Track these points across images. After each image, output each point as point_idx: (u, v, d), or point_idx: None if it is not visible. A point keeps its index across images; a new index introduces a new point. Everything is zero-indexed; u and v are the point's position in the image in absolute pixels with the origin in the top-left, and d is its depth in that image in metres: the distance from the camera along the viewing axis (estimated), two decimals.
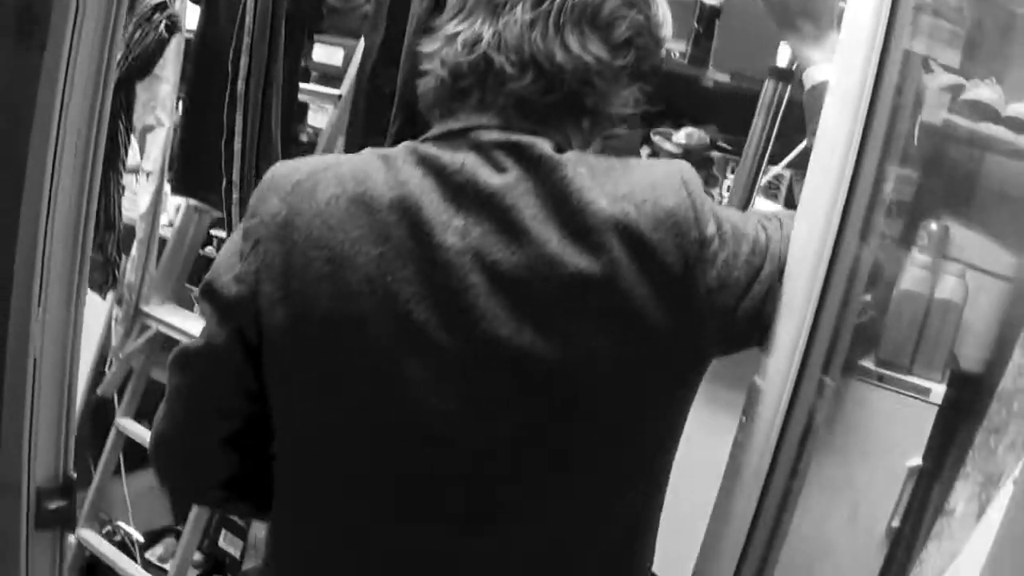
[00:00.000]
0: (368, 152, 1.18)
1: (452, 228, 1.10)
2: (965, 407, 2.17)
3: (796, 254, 1.18)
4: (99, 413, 3.07)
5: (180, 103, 2.90)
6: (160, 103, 2.80)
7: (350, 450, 1.18)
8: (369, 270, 1.10)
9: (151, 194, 2.85)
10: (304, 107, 3.02)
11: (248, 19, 2.25)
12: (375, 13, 2.23)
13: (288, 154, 2.46)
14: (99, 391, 2.99)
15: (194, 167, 2.56)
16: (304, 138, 3.02)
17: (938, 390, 2.06)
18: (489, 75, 1.16)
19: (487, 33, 1.15)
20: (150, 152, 2.85)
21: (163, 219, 3.08)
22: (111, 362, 3.03)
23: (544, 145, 1.13)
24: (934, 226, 2.13)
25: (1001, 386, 1.67)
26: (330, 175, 1.14)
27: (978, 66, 2.20)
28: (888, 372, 2.09)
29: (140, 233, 2.89)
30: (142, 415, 2.96)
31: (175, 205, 2.99)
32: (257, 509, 1.32)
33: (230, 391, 1.21)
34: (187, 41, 2.71)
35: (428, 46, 1.21)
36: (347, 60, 2.74)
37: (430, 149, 1.15)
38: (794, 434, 1.22)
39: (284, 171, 1.18)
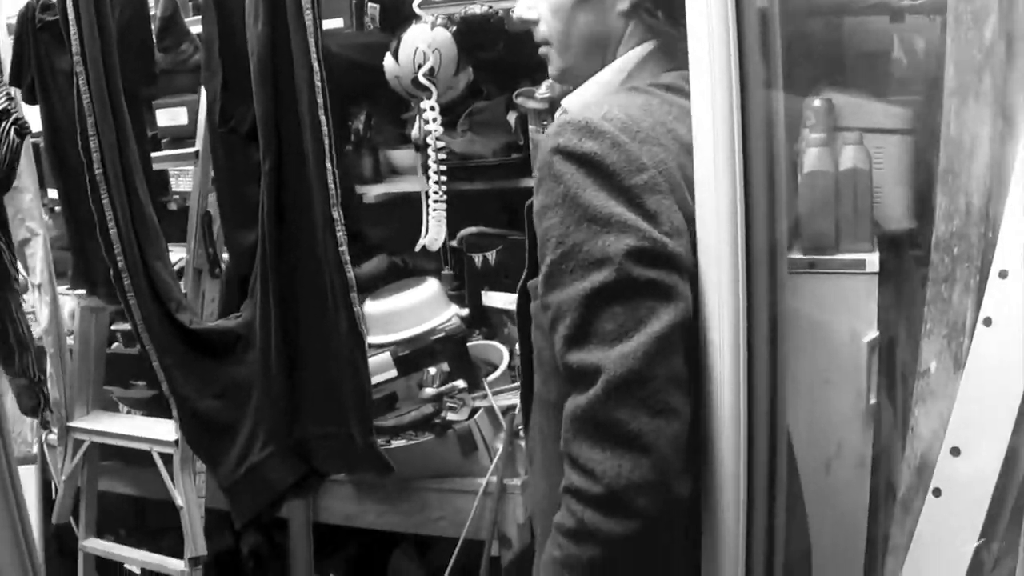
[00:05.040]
0: (633, 93, 1.37)
1: None
2: (905, 266, 2.19)
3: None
4: (64, 542, 2.94)
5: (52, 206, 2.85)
6: (27, 213, 2.72)
7: None
8: (687, 175, 1.27)
9: (48, 306, 2.76)
10: (164, 175, 2.91)
11: (85, 100, 2.13)
12: (207, 58, 2.13)
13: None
14: (54, 520, 2.85)
15: (84, 261, 2.51)
16: (174, 206, 2.92)
17: (872, 259, 2.03)
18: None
19: None
20: (33, 265, 2.77)
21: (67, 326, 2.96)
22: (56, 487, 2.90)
23: None
24: (817, 102, 2.10)
25: (935, 235, 1.68)
26: (655, 107, 1.33)
27: None
28: (817, 256, 2.06)
29: (49, 348, 2.80)
30: (104, 530, 2.87)
31: (69, 311, 2.87)
32: None
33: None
34: (34, 146, 2.61)
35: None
36: (192, 115, 2.65)
37: (672, 80, 1.38)
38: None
39: (618, 123, 1.25)
